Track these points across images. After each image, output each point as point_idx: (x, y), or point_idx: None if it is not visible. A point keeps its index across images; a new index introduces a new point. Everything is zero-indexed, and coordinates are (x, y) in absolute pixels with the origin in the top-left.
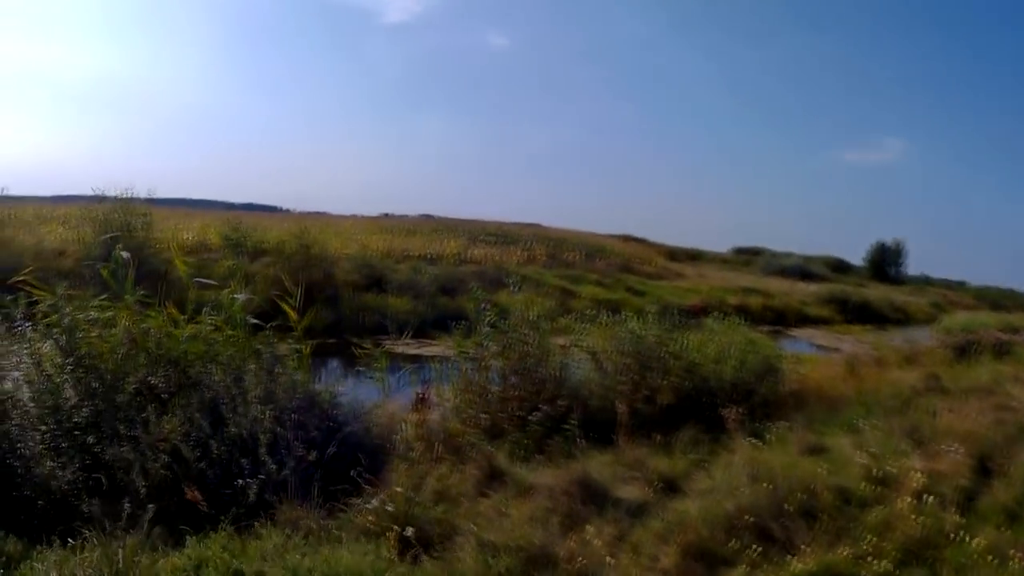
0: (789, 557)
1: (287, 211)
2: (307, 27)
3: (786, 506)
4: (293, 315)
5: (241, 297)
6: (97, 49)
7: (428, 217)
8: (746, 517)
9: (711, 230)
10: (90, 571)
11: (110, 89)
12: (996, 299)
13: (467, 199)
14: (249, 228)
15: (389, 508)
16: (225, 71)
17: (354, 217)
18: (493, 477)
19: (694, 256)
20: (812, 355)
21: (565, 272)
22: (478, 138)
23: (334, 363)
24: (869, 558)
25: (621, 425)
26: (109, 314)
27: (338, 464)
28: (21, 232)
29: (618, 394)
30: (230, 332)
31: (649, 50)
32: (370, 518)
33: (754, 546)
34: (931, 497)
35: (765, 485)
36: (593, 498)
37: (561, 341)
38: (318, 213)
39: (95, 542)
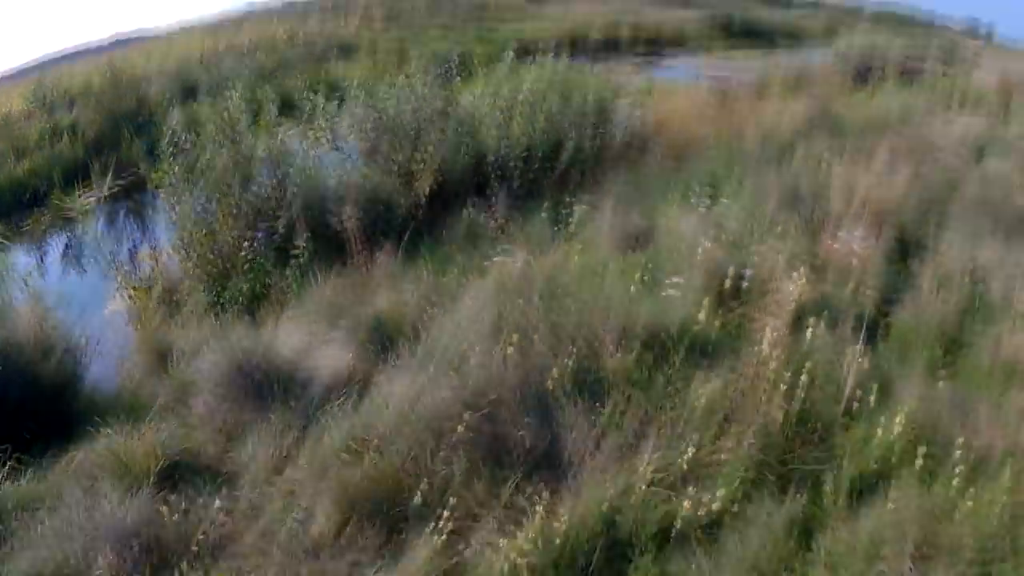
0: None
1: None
2: None
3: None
4: None
5: None
6: None
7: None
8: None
9: None
10: None
11: None
12: (898, 22)
13: None
14: (58, 79)
15: None
16: None
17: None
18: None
19: None
20: (681, 84)
21: (407, 33)
22: None
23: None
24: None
25: (351, 239)
26: None
27: None
28: None
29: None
30: None
31: None
32: None
33: None
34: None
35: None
36: (261, 394)
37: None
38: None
39: None
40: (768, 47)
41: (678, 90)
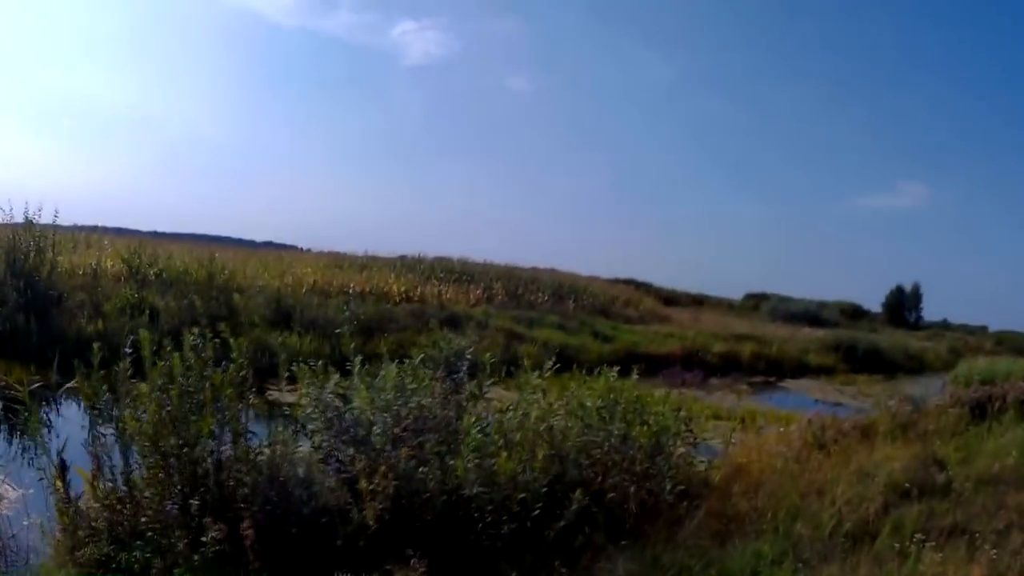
0: None
1: (306, 250)
2: (329, 68)
3: None
4: None
5: None
6: (118, 79)
7: (444, 259)
8: None
9: (729, 278)
10: None
11: (128, 119)
12: (1019, 344)
13: (491, 244)
14: (157, 254)
15: None
16: (247, 110)
17: (305, 250)
18: None
19: (698, 301)
20: (785, 413)
21: (523, 313)
22: (501, 183)
23: None
24: None
25: (251, 556)
26: None
27: None
28: None
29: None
30: None
31: (674, 96)
32: None
33: None
34: None
35: None
36: None
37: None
38: (331, 252)
39: None
40: (889, 373)
41: (779, 419)
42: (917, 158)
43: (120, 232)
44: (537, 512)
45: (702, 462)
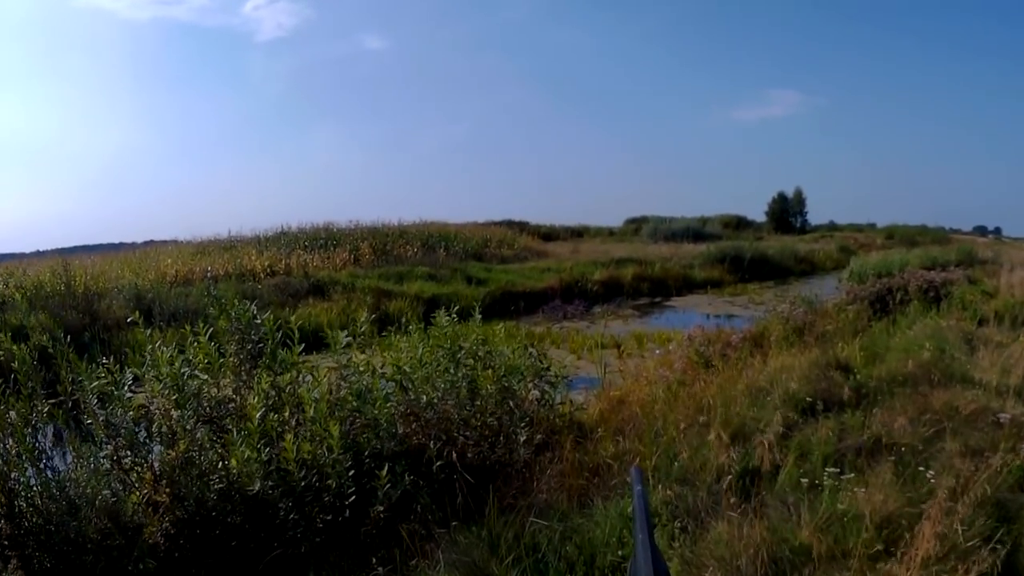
0: None
1: (186, 242)
2: (187, 56)
3: None
4: None
5: None
6: None
7: (308, 228)
8: None
9: (608, 208)
10: None
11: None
12: (909, 236)
13: (366, 205)
14: (13, 273)
15: None
16: (114, 113)
17: (183, 242)
18: None
19: (578, 233)
20: (674, 332)
21: (391, 269)
22: (368, 142)
23: None
24: None
25: None
26: None
27: None
28: None
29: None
30: None
31: (527, 33)
32: None
33: None
34: None
35: None
36: None
37: None
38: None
39: None
40: (780, 278)
41: (666, 341)
42: (786, 66)
43: (2, 259)
44: (352, 500)
45: (580, 407)
